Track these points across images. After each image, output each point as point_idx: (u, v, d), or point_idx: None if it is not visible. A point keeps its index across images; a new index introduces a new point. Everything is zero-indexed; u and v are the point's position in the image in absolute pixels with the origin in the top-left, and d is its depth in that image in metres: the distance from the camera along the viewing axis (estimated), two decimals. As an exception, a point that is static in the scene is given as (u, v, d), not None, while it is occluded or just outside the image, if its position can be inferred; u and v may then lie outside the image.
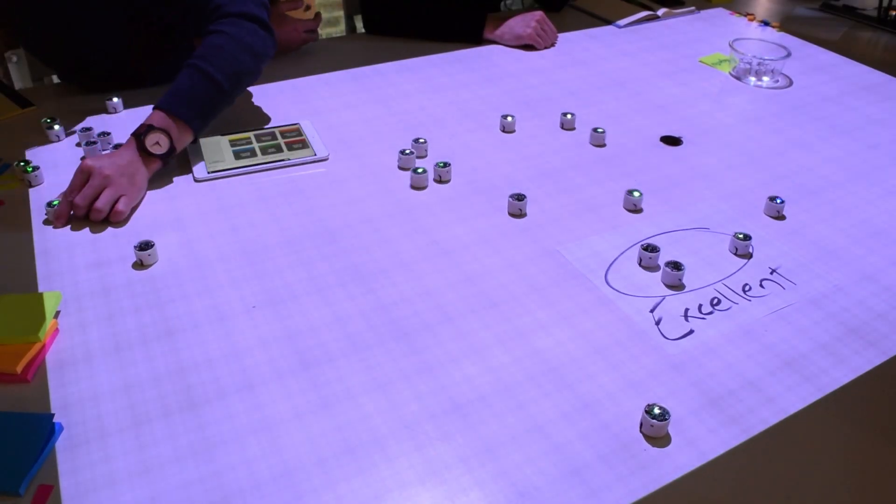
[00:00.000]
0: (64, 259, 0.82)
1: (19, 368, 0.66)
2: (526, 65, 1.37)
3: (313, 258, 0.83)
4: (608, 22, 1.60)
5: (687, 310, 0.77)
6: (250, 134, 1.07)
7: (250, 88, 1.22)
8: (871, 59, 1.47)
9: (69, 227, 0.87)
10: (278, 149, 1.04)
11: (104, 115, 1.12)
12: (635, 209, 0.94)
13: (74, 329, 0.72)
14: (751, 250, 0.87)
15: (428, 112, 1.17)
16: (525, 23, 1.42)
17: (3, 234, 0.86)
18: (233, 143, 1.05)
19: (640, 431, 0.63)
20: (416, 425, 0.63)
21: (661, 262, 0.83)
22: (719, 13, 1.69)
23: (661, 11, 1.63)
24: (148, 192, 0.93)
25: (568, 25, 1.56)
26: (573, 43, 1.48)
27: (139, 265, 0.81)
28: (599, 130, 1.09)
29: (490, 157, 1.05)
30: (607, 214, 0.93)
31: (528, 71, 1.34)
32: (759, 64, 1.32)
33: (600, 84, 1.30)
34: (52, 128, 1.04)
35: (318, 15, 1.39)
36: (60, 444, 0.60)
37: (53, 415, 0.62)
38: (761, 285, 0.82)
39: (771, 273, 0.84)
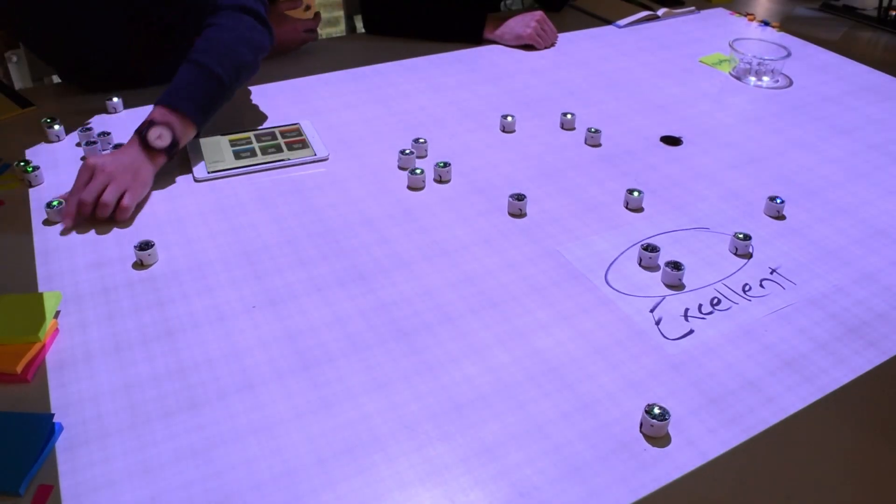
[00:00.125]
0: (64, 259, 0.82)
1: (19, 368, 0.66)
2: (526, 65, 1.37)
3: (313, 258, 0.83)
4: (608, 22, 1.60)
5: (687, 310, 0.77)
6: (250, 134, 1.07)
7: (250, 88, 1.22)
8: (871, 59, 1.47)
9: (70, 226, 0.87)
10: (278, 149, 1.04)
11: (104, 115, 1.12)
12: (636, 209, 0.94)
13: (74, 329, 0.72)
14: (751, 250, 0.87)
15: (428, 112, 1.17)
16: (525, 23, 1.42)
17: (3, 234, 0.86)
18: (233, 143, 1.05)
19: (640, 431, 0.63)
20: (416, 425, 0.63)
21: (661, 262, 0.83)
22: (719, 13, 1.69)
23: (661, 11, 1.63)
24: (148, 192, 0.93)
25: (568, 25, 1.56)
26: (573, 43, 1.48)
27: (139, 265, 0.81)
28: (593, 130, 1.09)
29: (490, 157, 1.05)
30: (607, 214, 0.93)
31: (528, 71, 1.34)
32: (759, 64, 1.32)
33: (600, 84, 1.30)
34: (52, 128, 1.04)
35: (317, 14, 1.39)
36: (60, 444, 0.60)
37: (53, 415, 0.62)
38: (761, 285, 0.82)
39: (771, 273, 0.84)
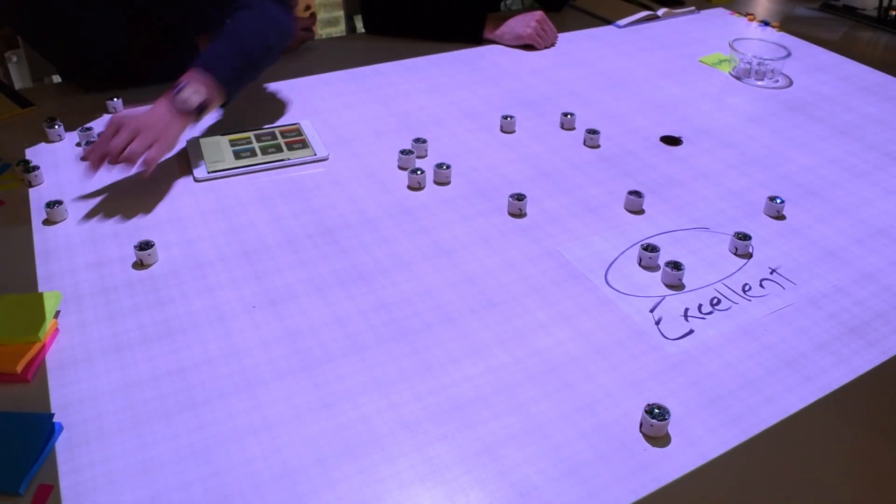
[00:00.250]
0: (64, 259, 0.82)
1: (19, 368, 0.66)
2: (526, 65, 1.37)
3: (313, 258, 0.83)
4: (608, 22, 1.60)
5: (687, 310, 0.77)
6: (250, 134, 1.07)
7: (250, 87, 1.22)
8: (871, 59, 1.47)
9: (68, 227, 0.87)
10: (278, 149, 1.04)
11: (104, 115, 1.12)
12: (637, 210, 0.94)
13: (74, 329, 0.72)
14: (751, 250, 0.87)
15: (428, 112, 1.17)
16: (525, 23, 1.42)
17: (3, 234, 0.86)
18: (233, 143, 1.05)
19: (640, 431, 0.63)
20: (416, 425, 0.63)
21: (661, 261, 0.83)
22: (719, 13, 1.69)
23: (661, 11, 1.63)
24: (148, 192, 0.93)
25: (568, 25, 1.56)
26: (573, 43, 1.48)
27: (139, 265, 0.81)
28: (592, 132, 1.08)
29: (490, 157, 1.05)
30: (607, 214, 0.93)
31: (528, 71, 1.34)
32: (759, 64, 1.32)
33: (600, 84, 1.30)
34: (52, 128, 1.04)
35: (312, 14, 1.39)
36: (60, 444, 0.60)
37: (53, 415, 0.62)
38: (761, 285, 0.82)
39: (771, 273, 0.84)
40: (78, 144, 1.04)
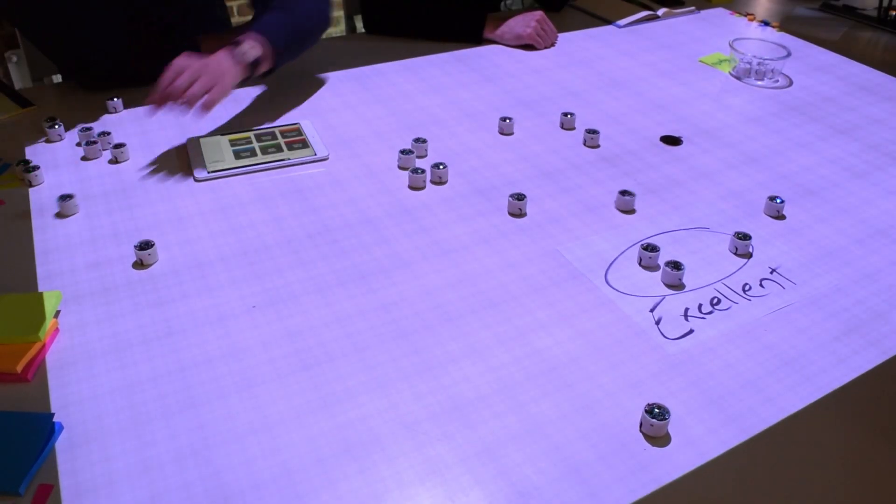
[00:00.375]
0: (64, 259, 0.82)
1: (19, 368, 0.66)
2: (526, 65, 1.37)
3: (313, 258, 0.83)
4: (608, 22, 1.60)
5: (687, 309, 0.77)
6: (250, 134, 1.07)
7: (250, 87, 1.22)
8: (871, 59, 1.47)
9: (69, 226, 0.87)
10: (278, 149, 1.04)
11: (104, 115, 1.12)
12: (628, 210, 0.94)
13: (74, 329, 0.72)
14: (751, 250, 0.87)
15: (428, 112, 1.17)
16: (525, 23, 1.42)
17: (3, 234, 0.86)
18: (233, 143, 1.05)
19: (640, 431, 0.63)
20: (416, 425, 0.63)
21: (661, 261, 0.83)
22: (719, 13, 1.69)
23: (661, 11, 1.63)
24: (148, 192, 0.94)
25: (568, 25, 1.56)
26: (573, 43, 1.48)
27: (139, 265, 0.81)
28: (592, 131, 1.08)
29: (490, 157, 1.05)
30: (607, 214, 0.93)
31: (528, 71, 1.34)
32: (759, 64, 1.32)
33: (600, 84, 1.30)
34: (52, 127, 1.04)
35: None
36: (60, 443, 0.60)
37: (53, 414, 0.62)
38: (761, 285, 0.82)
39: (771, 273, 0.84)
40: (78, 144, 1.04)
